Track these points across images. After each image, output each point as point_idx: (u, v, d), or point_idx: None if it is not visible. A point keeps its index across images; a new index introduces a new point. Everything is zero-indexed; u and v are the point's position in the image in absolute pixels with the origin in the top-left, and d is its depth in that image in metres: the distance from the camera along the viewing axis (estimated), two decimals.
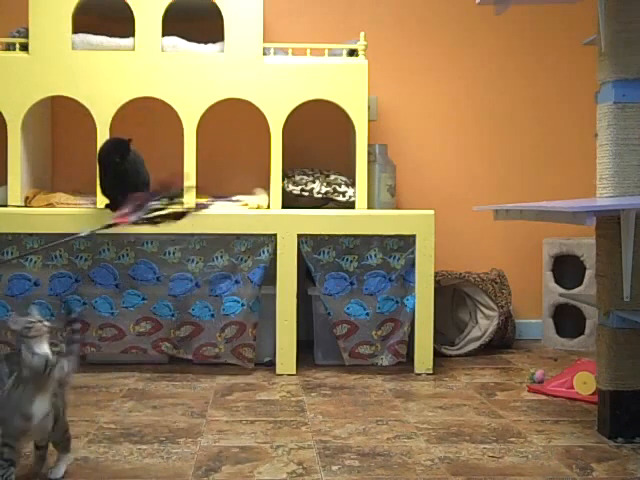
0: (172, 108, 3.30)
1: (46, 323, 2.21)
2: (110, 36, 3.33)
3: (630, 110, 2.32)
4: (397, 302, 3.21)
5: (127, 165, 3.04)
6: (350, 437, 2.36)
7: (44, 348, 2.12)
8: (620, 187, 2.31)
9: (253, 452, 2.22)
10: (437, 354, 3.35)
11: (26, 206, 3.28)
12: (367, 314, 3.20)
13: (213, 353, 3.17)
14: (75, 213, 3.16)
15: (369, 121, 3.38)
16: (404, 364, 3.22)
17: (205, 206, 2.87)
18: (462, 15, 3.89)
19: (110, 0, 3.29)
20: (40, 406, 1.91)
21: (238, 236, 3.16)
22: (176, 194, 2.42)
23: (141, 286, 3.14)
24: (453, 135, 3.94)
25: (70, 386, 2.05)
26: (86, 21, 3.44)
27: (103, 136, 3.24)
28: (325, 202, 3.44)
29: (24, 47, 3.29)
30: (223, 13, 3.31)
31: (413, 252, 3.19)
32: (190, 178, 3.26)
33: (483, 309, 3.61)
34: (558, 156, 3.95)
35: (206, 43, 3.38)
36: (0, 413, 1.87)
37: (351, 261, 3.20)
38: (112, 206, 3.12)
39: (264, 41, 3.34)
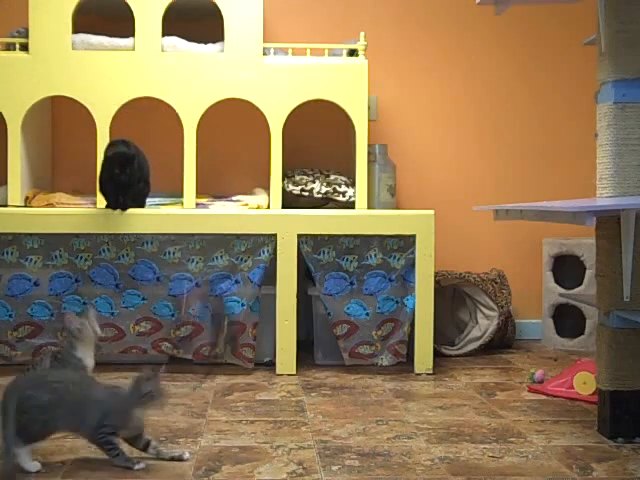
0: (172, 108, 3.30)
1: (97, 330, 2.31)
2: (110, 36, 3.33)
3: (630, 110, 2.32)
4: (397, 302, 3.21)
5: (128, 178, 3.05)
6: (350, 437, 2.36)
7: (88, 353, 2.44)
8: (620, 187, 2.31)
9: (253, 452, 2.22)
10: (437, 354, 3.35)
11: (26, 206, 3.28)
12: (367, 314, 3.20)
13: (213, 353, 3.17)
14: (75, 213, 3.16)
15: (369, 121, 3.38)
16: (404, 364, 3.22)
17: None
18: (462, 15, 3.89)
19: (110, 0, 3.29)
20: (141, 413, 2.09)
21: (238, 236, 3.16)
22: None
23: (141, 286, 3.13)
24: (453, 135, 3.94)
25: None
26: (86, 21, 3.44)
27: (103, 136, 3.24)
28: (325, 202, 3.44)
29: (24, 47, 3.29)
30: (223, 13, 3.31)
31: (413, 252, 3.19)
32: (188, 176, 3.26)
33: (483, 309, 3.61)
34: (558, 156, 3.95)
35: (206, 43, 3.38)
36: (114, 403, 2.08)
37: (351, 261, 3.20)
38: (111, 205, 3.13)
39: (264, 41, 3.35)
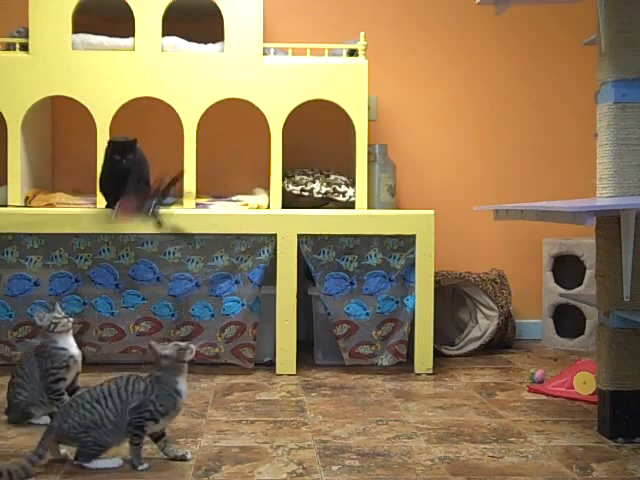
0: (172, 108, 3.30)
1: (71, 319, 2.35)
2: (110, 36, 3.33)
3: (630, 110, 2.32)
4: (397, 302, 3.21)
5: (129, 165, 3.04)
6: (350, 437, 2.36)
7: (70, 343, 2.47)
8: (620, 187, 2.32)
9: (253, 452, 2.22)
10: (437, 354, 3.35)
11: (26, 206, 3.28)
12: (367, 314, 3.20)
13: (213, 353, 3.17)
14: (75, 213, 3.16)
15: (369, 121, 3.38)
16: (404, 364, 3.22)
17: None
18: (462, 15, 3.89)
19: (110, 0, 3.30)
20: (183, 384, 2.13)
21: (238, 236, 3.16)
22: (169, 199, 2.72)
23: (141, 286, 3.13)
24: (453, 135, 3.94)
25: None
26: (86, 21, 3.44)
27: (103, 136, 3.24)
28: (325, 202, 3.44)
29: (24, 47, 3.29)
30: (223, 13, 3.31)
31: (413, 252, 3.19)
32: (188, 176, 3.26)
33: (483, 309, 3.61)
34: (558, 156, 3.95)
35: (206, 43, 3.38)
36: (157, 390, 2.10)
37: (351, 261, 3.20)
38: (111, 205, 3.13)
39: (264, 41, 3.35)
